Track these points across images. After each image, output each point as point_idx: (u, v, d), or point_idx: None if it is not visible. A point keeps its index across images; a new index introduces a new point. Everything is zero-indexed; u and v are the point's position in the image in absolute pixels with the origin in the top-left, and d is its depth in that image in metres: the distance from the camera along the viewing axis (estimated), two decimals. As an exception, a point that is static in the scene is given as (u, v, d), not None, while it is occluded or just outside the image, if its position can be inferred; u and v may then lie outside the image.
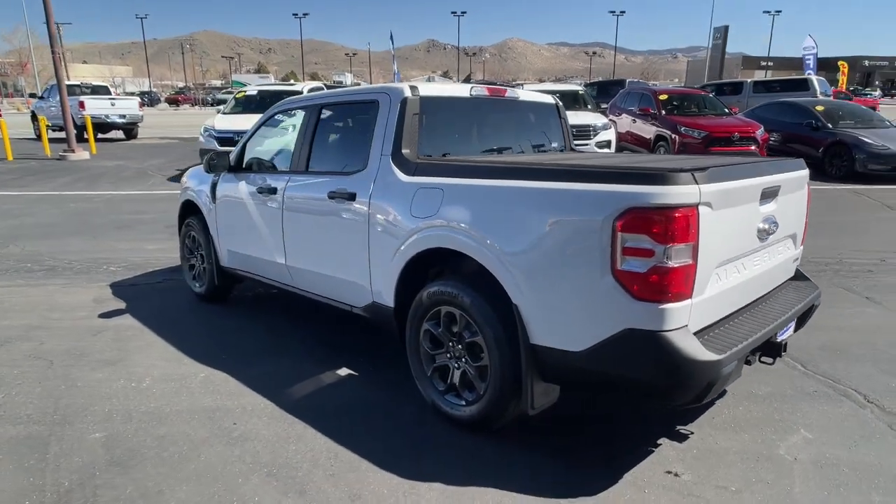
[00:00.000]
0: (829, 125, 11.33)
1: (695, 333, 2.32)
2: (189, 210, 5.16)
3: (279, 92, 13.29)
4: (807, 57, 26.67)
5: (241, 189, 4.34)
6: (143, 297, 5.14)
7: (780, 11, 59.97)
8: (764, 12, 61.50)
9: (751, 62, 66.94)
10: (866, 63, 60.49)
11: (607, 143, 11.46)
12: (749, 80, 20.11)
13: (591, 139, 11.34)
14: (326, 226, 3.57)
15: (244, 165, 4.50)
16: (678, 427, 2.98)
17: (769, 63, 64.21)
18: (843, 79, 37.45)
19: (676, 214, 2.16)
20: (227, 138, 11.60)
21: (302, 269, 3.86)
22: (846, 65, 39.92)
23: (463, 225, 2.72)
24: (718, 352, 2.26)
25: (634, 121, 12.72)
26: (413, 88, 3.29)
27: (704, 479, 2.55)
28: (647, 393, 2.38)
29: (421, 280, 3.11)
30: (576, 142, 10.85)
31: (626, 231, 2.22)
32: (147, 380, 3.56)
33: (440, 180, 2.91)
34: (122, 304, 4.99)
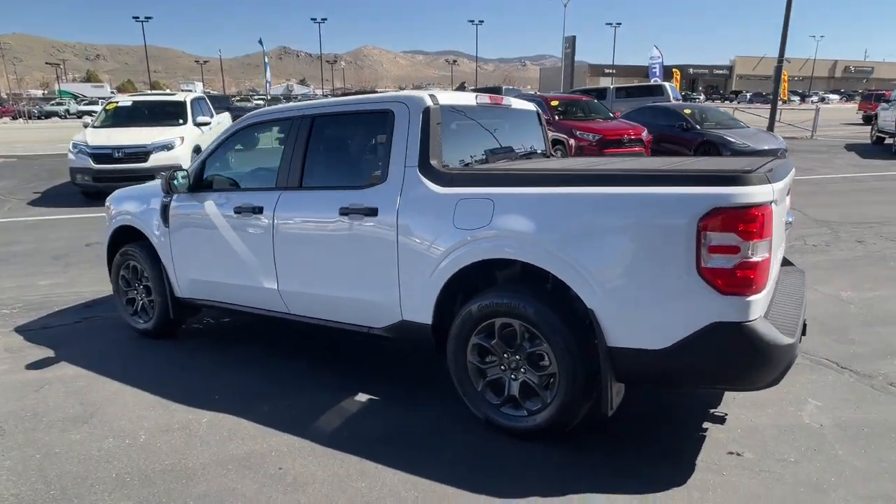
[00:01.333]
0: (698, 127, 12.74)
1: (760, 321, 2.49)
2: (124, 237, 4.56)
3: (159, 102, 12.15)
4: (653, 65, 29.69)
5: (207, 210, 3.92)
6: (68, 341, 4.44)
7: (620, 24, 66.11)
8: (606, 24, 67.40)
9: (596, 70, 73.12)
10: (691, 71, 68.70)
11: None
12: (612, 87, 21.91)
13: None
14: (337, 244, 3.34)
15: (205, 184, 4.07)
16: (712, 410, 3.19)
17: (612, 70, 70.51)
18: (676, 85, 42.31)
19: (758, 212, 2.32)
20: (103, 155, 10.44)
21: (300, 292, 3.58)
22: (678, 72, 45.16)
23: (525, 234, 2.70)
24: (790, 335, 2.45)
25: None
26: (432, 97, 3.20)
27: (763, 455, 2.76)
28: (732, 380, 2.52)
29: (464, 294, 3.03)
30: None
31: (712, 230, 2.34)
32: (142, 434, 3.10)
33: (488, 190, 2.85)
34: (47, 352, 4.27)
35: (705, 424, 3.05)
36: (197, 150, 11.51)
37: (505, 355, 2.90)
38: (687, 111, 13.37)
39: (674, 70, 44.48)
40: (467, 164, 3.32)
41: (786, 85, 54.86)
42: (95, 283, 5.83)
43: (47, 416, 3.33)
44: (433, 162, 3.07)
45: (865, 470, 2.63)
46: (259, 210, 3.64)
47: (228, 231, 3.82)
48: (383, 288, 3.21)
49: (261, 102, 27.62)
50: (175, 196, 4.14)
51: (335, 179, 3.53)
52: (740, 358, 2.41)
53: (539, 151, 4.24)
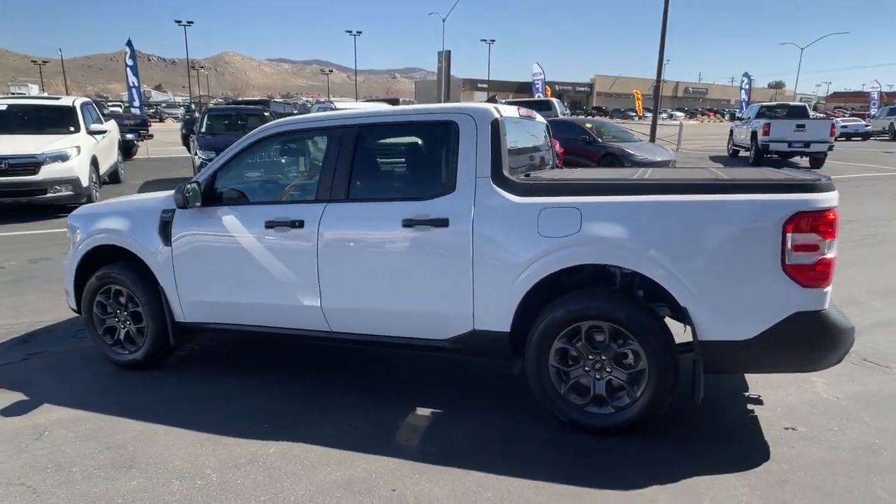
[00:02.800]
0: (599, 140, 13.76)
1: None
2: (98, 260, 4.09)
3: (42, 107, 10.79)
4: (536, 81, 31.52)
5: (226, 225, 3.66)
6: (30, 381, 3.88)
7: (494, 40, 69.33)
8: (481, 40, 70.22)
9: (470, 84, 75.82)
10: (557, 87, 73.54)
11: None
12: (503, 101, 22.92)
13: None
14: (399, 257, 3.29)
15: (216, 198, 3.78)
16: (746, 394, 3.55)
17: (486, 85, 73.64)
18: (548, 92, 45.22)
19: (832, 215, 2.68)
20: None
21: (349, 308, 3.46)
22: (549, 88, 48.31)
23: (618, 240, 2.86)
24: (848, 320, 2.84)
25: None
26: (497, 110, 3.27)
27: (812, 427, 3.14)
28: (806, 363, 2.86)
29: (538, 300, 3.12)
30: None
31: (796, 231, 2.66)
32: (210, 472, 2.83)
33: (573, 199, 2.98)
34: (14, 395, 3.70)
35: (749, 406, 3.40)
36: (94, 161, 10.39)
37: (589, 357, 3.04)
38: (588, 125, 14.41)
39: (545, 86, 47.55)
40: (527, 175, 3.42)
41: (639, 102, 61.08)
42: (17, 313, 5.12)
43: (76, 465, 2.92)
44: (505, 172, 3.15)
45: (894, 430, 3.10)
46: (299, 224, 3.46)
47: (256, 247, 3.58)
48: (454, 299, 3.21)
49: (136, 111, 25.29)
50: (177, 211, 3.80)
51: (390, 191, 3.46)
52: (817, 342, 2.75)
53: (550, 161, 4.43)
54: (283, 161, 4.39)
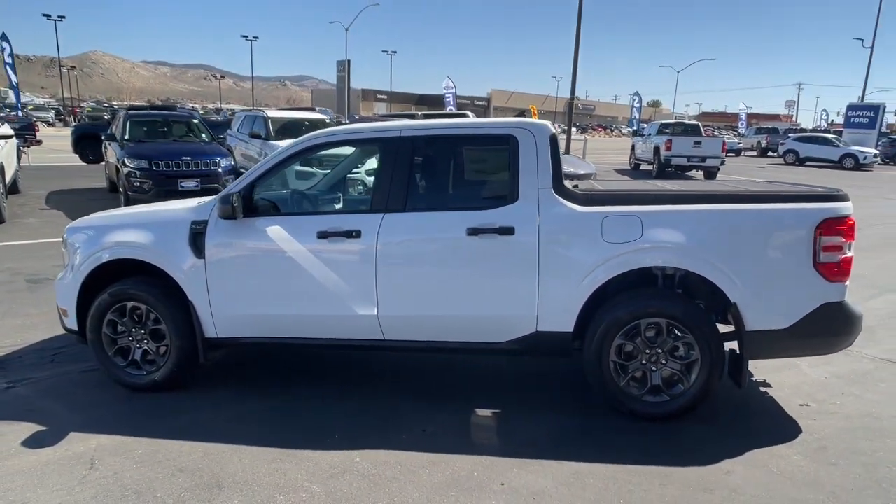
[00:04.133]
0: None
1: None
2: (104, 275, 3.84)
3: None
4: (447, 94, 32.19)
5: (272, 236, 3.60)
6: (47, 408, 3.64)
7: (395, 52, 69.68)
8: (383, 51, 70.42)
9: (369, 94, 75.67)
10: (457, 100, 75.51)
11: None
12: (420, 113, 23.25)
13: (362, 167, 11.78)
14: (463, 264, 3.43)
15: (254, 209, 3.71)
16: (753, 378, 4.04)
17: (385, 96, 73.84)
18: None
19: (851, 221, 3.19)
20: None
21: (408, 316, 3.53)
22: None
23: (678, 245, 3.20)
24: (859, 309, 3.37)
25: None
26: (551, 126, 3.52)
27: (821, 402, 3.66)
28: (829, 346, 3.34)
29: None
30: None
31: (825, 234, 3.14)
32: (307, 484, 2.81)
33: (633, 208, 3.29)
34: (33, 426, 3.41)
35: (761, 389, 3.88)
36: (0, 170, 9.40)
37: (646, 351, 3.35)
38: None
39: (455, 99, 48.60)
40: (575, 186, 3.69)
41: (536, 117, 63.91)
42: None
43: (159, 491, 2.78)
44: (565, 183, 3.40)
45: (884, 400, 3.69)
46: (356, 234, 3.49)
47: (307, 258, 3.56)
48: (518, 302, 3.39)
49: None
50: (211, 222, 3.68)
51: (449, 201, 3.59)
52: (839, 328, 3.25)
53: None
54: (323, 172, 4.36)
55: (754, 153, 34.93)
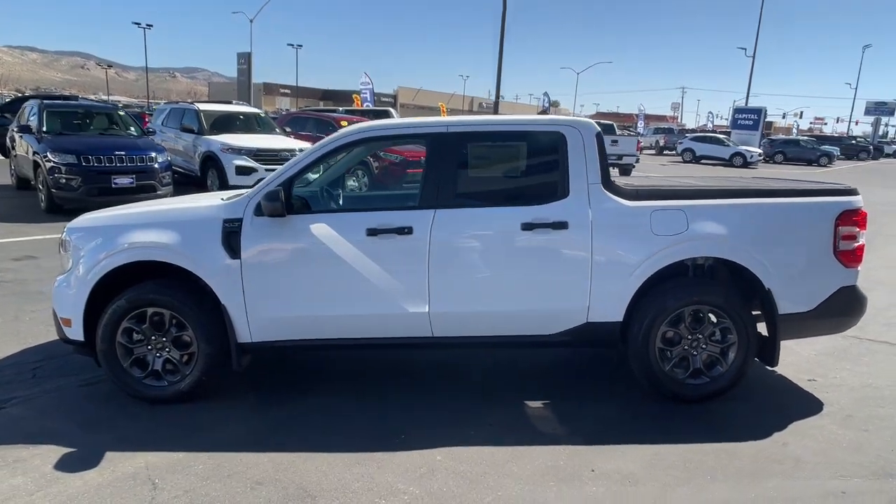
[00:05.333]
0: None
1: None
2: (117, 279, 3.54)
3: None
4: (364, 90, 31.68)
5: (317, 234, 3.47)
6: (58, 428, 3.32)
7: (301, 46, 67.43)
8: (288, 45, 67.94)
9: (271, 89, 72.89)
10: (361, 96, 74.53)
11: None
12: (341, 109, 22.86)
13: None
14: (517, 259, 3.48)
15: (293, 206, 3.55)
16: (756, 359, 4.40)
17: (288, 91, 71.44)
18: (357, 101, 45.62)
19: (863, 213, 3.58)
20: None
21: (459, 312, 3.53)
22: (358, 97, 48.77)
23: (720, 236, 3.44)
24: (864, 292, 3.78)
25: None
26: (594, 123, 3.65)
27: (823, 376, 4.06)
28: (842, 325, 3.71)
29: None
30: (280, 166, 10.88)
31: (843, 225, 3.51)
32: (400, 485, 2.76)
33: (678, 202, 3.49)
34: (58, 448, 3.09)
35: (768, 369, 4.24)
36: None
37: (688, 336, 3.57)
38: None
39: (354, 95, 47.85)
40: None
41: (445, 115, 64.25)
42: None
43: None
44: (612, 179, 3.54)
45: (873, 371, 4.16)
46: (408, 230, 3.44)
47: (355, 255, 3.46)
48: (570, 295, 3.50)
49: None
50: (247, 220, 3.48)
51: (500, 196, 3.61)
52: (851, 309, 3.63)
53: None
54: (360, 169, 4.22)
55: (653, 152, 37.46)
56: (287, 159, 11.20)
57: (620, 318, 3.53)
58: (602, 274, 3.47)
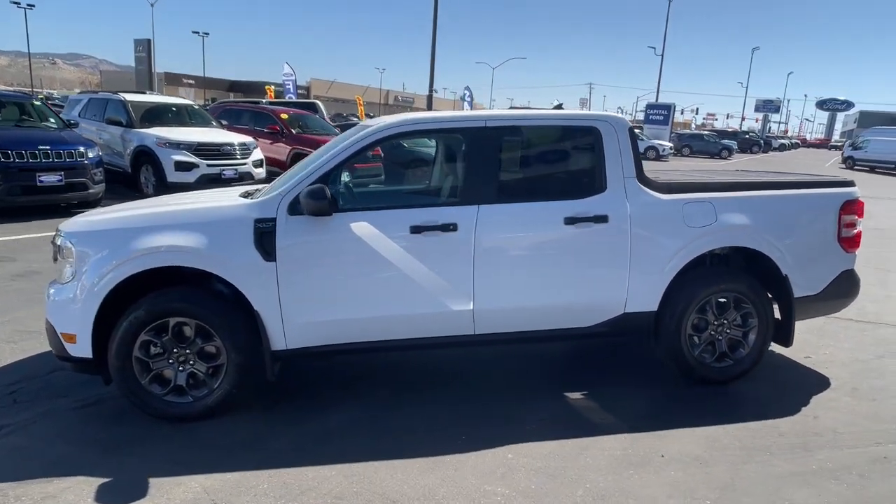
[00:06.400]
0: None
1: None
2: (130, 287, 3.24)
3: None
4: (286, 82, 30.50)
5: (357, 232, 3.33)
6: (70, 455, 3.02)
7: (207, 33, 63.76)
8: (193, 32, 64.03)
9: (174, 79, 68.55)
10: (275, 87, 71.79)
11: (260, 163, 11.22)
12: (264, 101, 21.94)
13: (248, 158, 10.87)
14: (561, 253, 3.51)
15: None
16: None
17: (192, 81, 67.45)
18: (270, 93, 43.97)
19: (861, 202, 3.91)
20: None
21: (503, 308, 3.51)
22: (270, 89, 46.95)
23: (745, 227, 3.64)
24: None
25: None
26: (625, 118, 3.74)
27: (815, 354, 4.41)
28: (841, 306, 4.03)
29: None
30: (226, 161, 10.33)
31: (845, 213, 3.82)
32: (487, 487, 2.72)
33: (705, 195, 3.65)
34: (81, 479, 2.80)
35: (777, 349, 4.54)
36: None
37: (715, 323, 3.76)
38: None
39: (267, 87, 46.05)
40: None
41: (362, 108, 63.57)
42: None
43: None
44: (645, 173, 3.65)
45: (854, 346, 4.56)
46: (452, 227, 3.38)
47: (399, 254, 3.35)
48: (610, 287, 3.58)
49: None
50: (281, 220, 3.28)
51: (539, 191, 3.61)
52: (850, 291, 3.97)
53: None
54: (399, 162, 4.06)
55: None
56: (229, 154, 10.75)
57: (655, 308, 3.65)
58: (639, 265, 3.58)
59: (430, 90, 20.68)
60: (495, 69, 62.21)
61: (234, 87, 72.59)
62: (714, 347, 3.79)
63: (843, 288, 3.93)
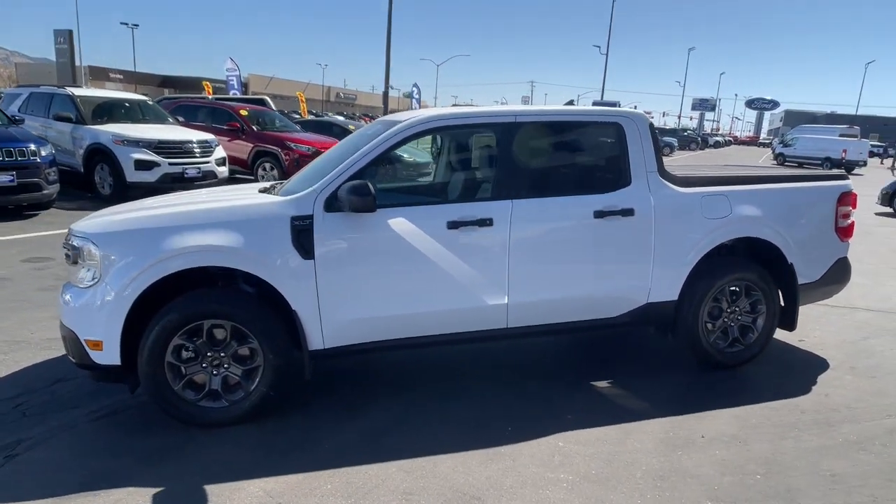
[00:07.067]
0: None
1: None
2: (170, 286, 3.13)
3: None
4: (230, 78, 29.46)
5: (396, 229, 3.31)
6: (112, 469, 2.90)
7: (137, 25, 60.74)
8: (121, 24, 60.88)
9: (100, 73, 65.01)
10: (214, 84, 69.13)
11: (223, 161, 10.84)
12: (210, 96, 21.22)
13: (210, 156, 10.48)
14: (590, 246, 3.61)
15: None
16: (745, 326, 4.97)
17: (120, 76, 64.22)
18: (208, 89, 42.54)
19: (855, 194, 4.20)
20: None
21: (535, 302, 3.58)
22: (209, 85, 45.35)
23: (756, 217, 3.85)
24: (847, 262, 4.43)
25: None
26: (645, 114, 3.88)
27: (806, 337, 4.70)
28: (836, 291, 4.32)
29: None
30: (188, 159, 9.96)
31: (841, 205, 4.10)
32: (562, 475, 2.77)
33: (720, 188, 3.84)
34: (134, 490, 2.69)
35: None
36: None
37: (728, 310, 3.96)
38: (351, 127, 14.82)
39: (204, 83, 44.45)
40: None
41: (304, 105, 62.62)
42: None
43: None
44: (665, 168, 3.80)
45: (838, 329, 4.90)
46: (488, 222, 3.42)
47: (437, 250, 3.36)
48: (635, 278, 3.71)
49: None
50: (318, 217, 3.23)
51: (568, 185, 3.69)
52: (843, 277, 4.26)
53: None
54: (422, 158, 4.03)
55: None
56: (191, 152, 10.32)
57: (676, 297, 3.81)
58: (662, 256, 3.72)
59: (386, 87, 20.52)
60: (440, 66, 62.32)
61: (167, 82, 69.63)
62: (727, 334, 3.99)
63: (839, 275, 4.22)
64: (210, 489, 2.64)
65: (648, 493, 2.64)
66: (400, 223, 3.31)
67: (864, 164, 29.63)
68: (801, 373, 4.00)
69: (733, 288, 3.94)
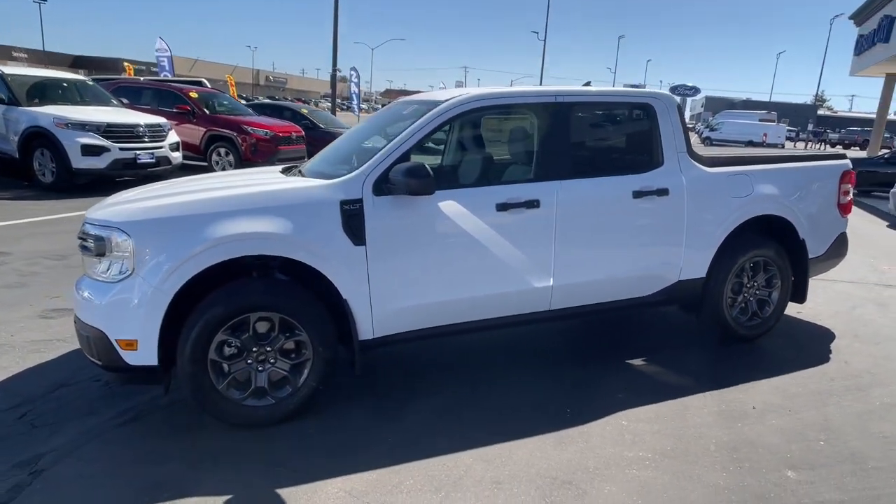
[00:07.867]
0: (322, 126, 13.88)
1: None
2: (215, 275, 2.91)
3: None
4: (161, 58, 27.60)
5: (446, 211, 3.21)
6: (184, 475, 2.70)
7: (45, 0, 55.94)
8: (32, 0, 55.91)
9: (2, 52, 59.75)
10: (125, 64, 64.94)
11: (177, 146, 10.21)
12: (143, 79, 19.95)
13: (164, 141, 9.84)
14: (630, 226, 3.63)
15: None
16: (743, 300, 5.18)
17: (25, 55, 59.24)
18: (130, 71, 40.17)
19: (853, 172, 4.43)
20: None
21: (578, 283, 3.57)
22: (130, 67, 42.69)
23: (775, 196, 3.99)
24: (844, 236, 4.69)
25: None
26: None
27: (803, 310, 4.94)
28: (834, 265, 4.55)
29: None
30: (140, 144, 9.34)
31: (843, 182, 4.33)
32: (640, 452, 2.78)
33: (743, 168, 3.95)
34: (205, 500, 2.51)
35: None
36: None
37: (748, 285, 4.10)
38: (304, 110, 14.31)
39: (126, 64, 41.83)
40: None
41: (234, 88, 60.20)
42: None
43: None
44: (693, 149, 3.87)
45: (829, 301, 5.19)
46: (535, 204, 3.37)
47: (487, 233, 3.29)
48: (669, 257, 3.78)
49: None
50: (370, 200, 3.07)
51: (606, 166, 3.68)
52: (843, 251, 4.51)
53: None
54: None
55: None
56: (142, 136, 9.62)
57: (704, 275, 3.91)
58: (693, 235, 3.80)
59: (334, 70, 19.93)
60: (374, 50, 61.28)
61: (79, 62, 64.81)
62: (746, 308, 4.14)
63: (841, 248, 4.46)
64: (284, 493, 2.48)
65: (729, 465, 2.70)
66: (451, 206, 3.20)
67: (783, 146, 31.68)
68: (811, 343, 4.22)
69: (752, 264, 4.08)
